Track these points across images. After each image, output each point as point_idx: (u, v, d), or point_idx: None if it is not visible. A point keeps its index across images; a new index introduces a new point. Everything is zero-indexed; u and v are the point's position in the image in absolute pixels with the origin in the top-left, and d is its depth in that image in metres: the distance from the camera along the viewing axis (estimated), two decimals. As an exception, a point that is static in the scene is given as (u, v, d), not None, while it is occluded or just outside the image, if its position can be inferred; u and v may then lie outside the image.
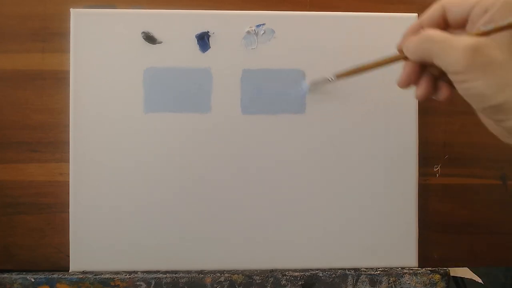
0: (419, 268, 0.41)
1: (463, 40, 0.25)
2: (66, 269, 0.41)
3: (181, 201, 0.41)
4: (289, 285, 0.40)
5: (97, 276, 0.39)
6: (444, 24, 0.29)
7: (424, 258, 0.42)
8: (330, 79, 0.37)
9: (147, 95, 0.41)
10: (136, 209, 0.41)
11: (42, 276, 0.39)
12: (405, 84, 0.30)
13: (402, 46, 0.30)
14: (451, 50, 0.25)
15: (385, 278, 0.40)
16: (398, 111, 0.41)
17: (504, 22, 0.24)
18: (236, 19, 0.41)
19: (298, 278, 0.40)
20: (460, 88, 0.26)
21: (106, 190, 0.40)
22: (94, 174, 0.40)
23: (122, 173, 0.40)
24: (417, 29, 0.29)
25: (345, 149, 0.41)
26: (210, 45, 0.41)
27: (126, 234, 0.41)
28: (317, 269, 0.41)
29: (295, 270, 0.41)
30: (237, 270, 0.41)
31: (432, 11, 0.29)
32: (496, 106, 0.25)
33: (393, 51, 0.31)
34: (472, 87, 0.25)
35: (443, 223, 0.43)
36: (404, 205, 0.42)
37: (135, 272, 0.40)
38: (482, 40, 0.25)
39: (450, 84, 0.30)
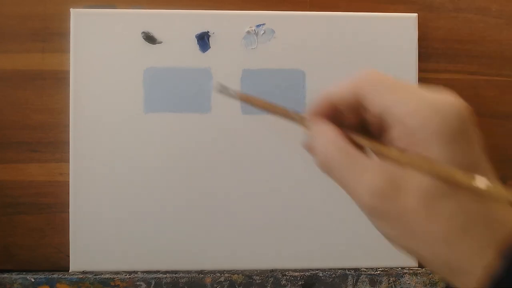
0: (419, 268, 0.41)
1: (370, 178, 0.20)
2: (66, 269, 0.41)
3: (181, 201, 0.41)
4: (289, 285, 0.40)
5: (97, 276, 0.39)
6: (362, 109, 0.21)
7: (424, 258, 0.42)
8: (232, 94, 0.28)
9: (147, 95, 0.41)
10: (136, 209, 0.41)
11: (42, 276, 0.39)
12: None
13: (309, 133, 0.23)
14: (356, 187, 0.21)
15: (385, 278, 0.40)
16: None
17: (441, 165, 0.18)
18: (236, 19, 0.41)
19: (298, 278, 0.40)
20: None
21: (106, 190, 0.40)
22: (94, 174, 0.40)
23: (122, 173, 0.40)
24: (327, 106, 0.22)
25: (345, 149, 0.41)
26: (210, 45, 0.41)
27: (126, 234, 0.41)
28: (317, 269, 0.41)
29: (295, 270, 0.41)
30: (237, 270, 0.41)
31: (346, 91, 0.21)
32: (402, 250, 0.21)
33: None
34: (377, 226, 0.21)
35: (443, 223, 0.43)
36: (404, 205, 0.41)
37: (135, 272, 0.40)
38: (396, 176, 0.19)
39: None
